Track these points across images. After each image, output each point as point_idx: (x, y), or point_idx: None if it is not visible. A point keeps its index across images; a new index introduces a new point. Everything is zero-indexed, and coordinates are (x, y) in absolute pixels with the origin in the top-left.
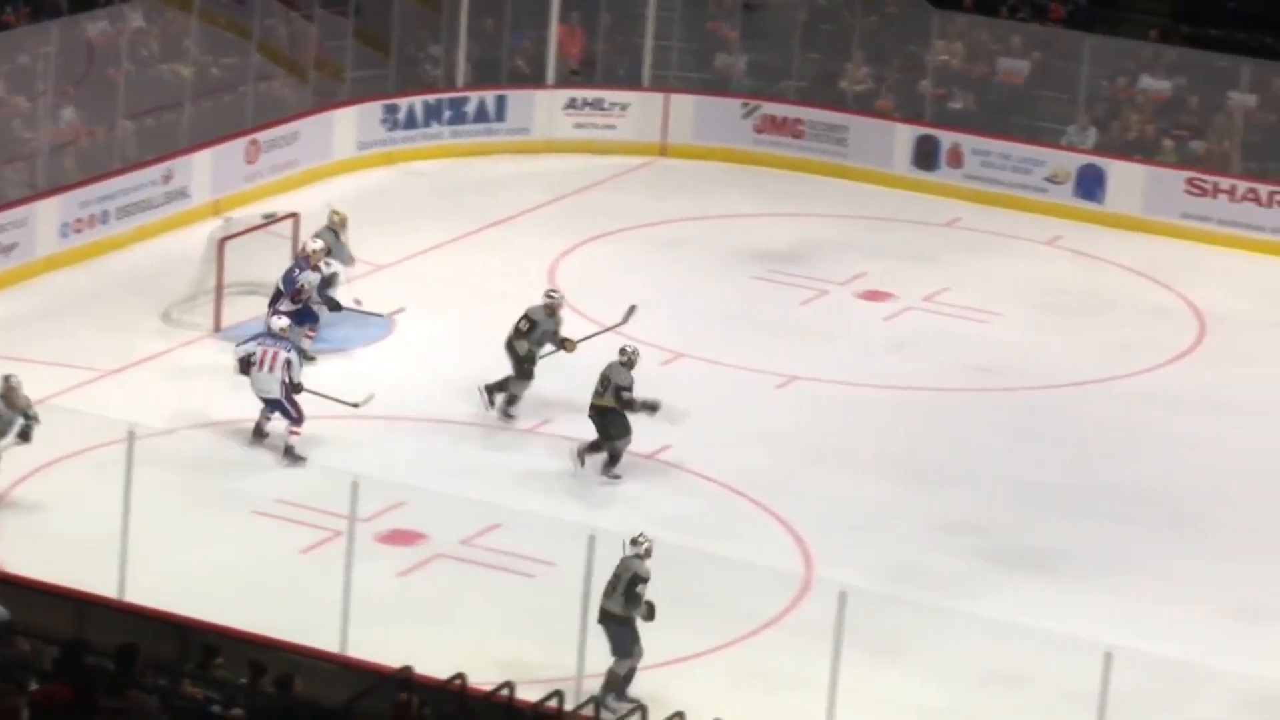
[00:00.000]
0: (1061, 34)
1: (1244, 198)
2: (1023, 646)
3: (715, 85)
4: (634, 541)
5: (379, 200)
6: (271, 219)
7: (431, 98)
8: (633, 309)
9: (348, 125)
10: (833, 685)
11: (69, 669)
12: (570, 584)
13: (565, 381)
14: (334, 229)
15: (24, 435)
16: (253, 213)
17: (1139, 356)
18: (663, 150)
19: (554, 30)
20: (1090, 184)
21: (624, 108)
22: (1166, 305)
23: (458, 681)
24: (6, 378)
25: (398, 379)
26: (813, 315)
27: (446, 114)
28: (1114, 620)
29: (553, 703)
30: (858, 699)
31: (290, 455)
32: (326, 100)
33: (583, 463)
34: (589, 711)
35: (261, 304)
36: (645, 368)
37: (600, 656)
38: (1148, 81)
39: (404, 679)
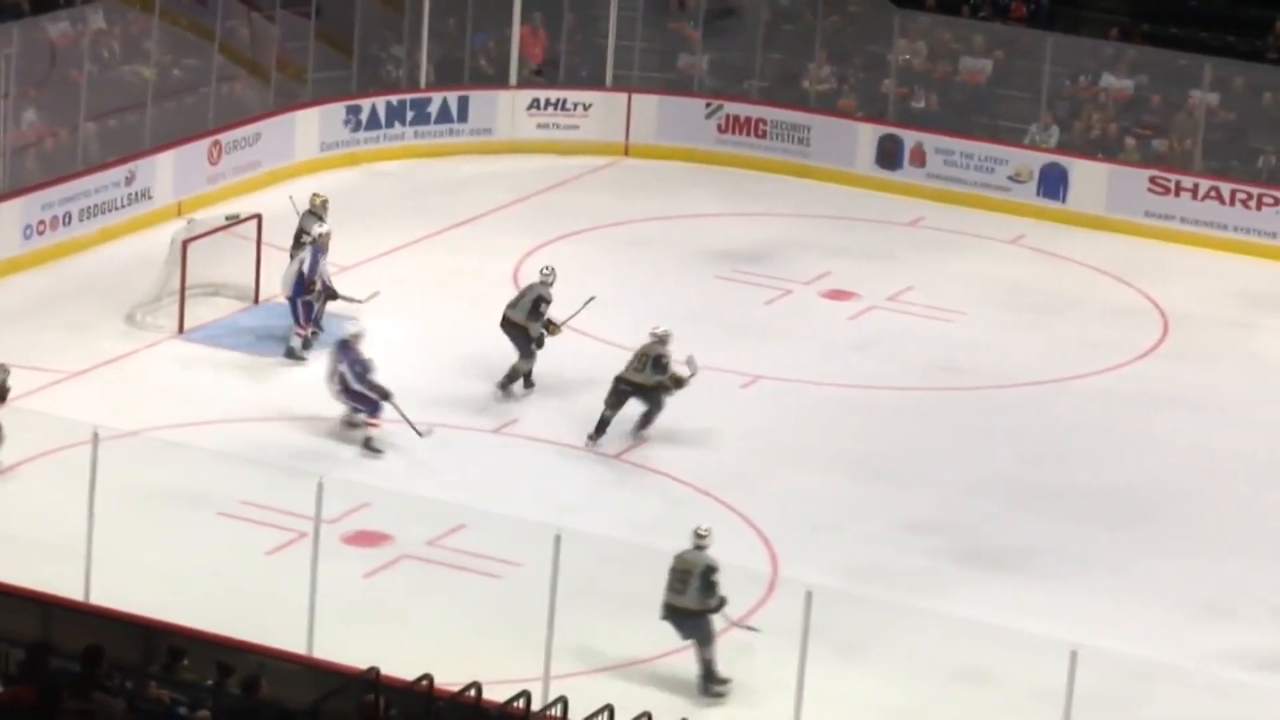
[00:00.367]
0: (1024, 33)
1: (1206, 196)
2: (988, 645)
3: (678, 85)
4: (697, 534)
5: (343, 201)
6: (235, 220)
7: (394, 98)
8: (590, 300)
9: (310, 126)
10: (799, 684)
11: (34, 671)
12: (537, 584)
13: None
14: (316, 212)
15: None
16: (216, 214)
17: (1102, 355)
18: (626, 150)
19: (516, 31)
20: (1053, 183)
21: (587, 108)
22: (1129, 304)
23: (424, 682)
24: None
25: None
26: (776, 315)
27: (409, 115)
28: (1078, 618)
29: (519, 703)
30: (824, 698)
31: (369, 446)
32: (289, 101)
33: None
34: (556, 712)
35: (225, 305)
36: (611, 369)
37: (566, 658)
38: (1110, 80)
39: (370, 680)
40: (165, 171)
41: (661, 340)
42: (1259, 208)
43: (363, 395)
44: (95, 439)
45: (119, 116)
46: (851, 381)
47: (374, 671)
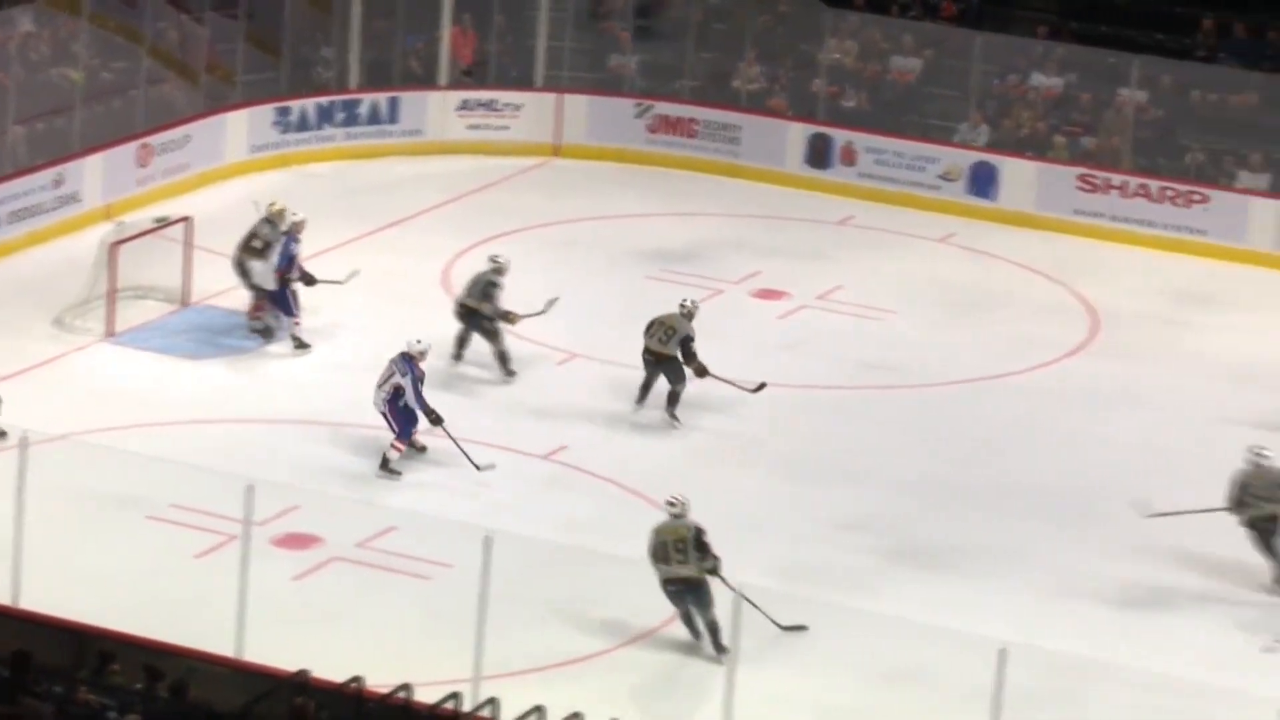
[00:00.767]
0: (953, 32)
1: (1135, 193)
2: (920, 644)
3: (608, 85)
4: (670, 504)
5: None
6: (164, 223)
7: (324, 100)
8: (554, 300)
9: (240, 128)
10: (730, 685)
11: None
12: (467, 586)
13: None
14: (272, 220)
15: None
16: (145, 216)
17: (1032, 353)
18: (556, 151)
19: (446, 32)
20: (983, 181)
21: (517, 108)
22: (1059, 301)
23: (354, 684)
24: None
25: (297, 381)
26: (707, 314)
27: (339, 116)
28: (1010, 616)
29: (450, 704)
30: (756, 697)
31: (387, 469)
32: (218, 103)
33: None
34: (486, 713)
35: (155, 308)
36: (542, 369)
37: (497, 660)
38: (1039, 79)
39: (300, 683)
40: (94, 174)
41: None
42: (1187, 205)
43: (410, 414)
44: (24, 443)
45: (47, 119)
46: (782, 380)
47: (304, 674)
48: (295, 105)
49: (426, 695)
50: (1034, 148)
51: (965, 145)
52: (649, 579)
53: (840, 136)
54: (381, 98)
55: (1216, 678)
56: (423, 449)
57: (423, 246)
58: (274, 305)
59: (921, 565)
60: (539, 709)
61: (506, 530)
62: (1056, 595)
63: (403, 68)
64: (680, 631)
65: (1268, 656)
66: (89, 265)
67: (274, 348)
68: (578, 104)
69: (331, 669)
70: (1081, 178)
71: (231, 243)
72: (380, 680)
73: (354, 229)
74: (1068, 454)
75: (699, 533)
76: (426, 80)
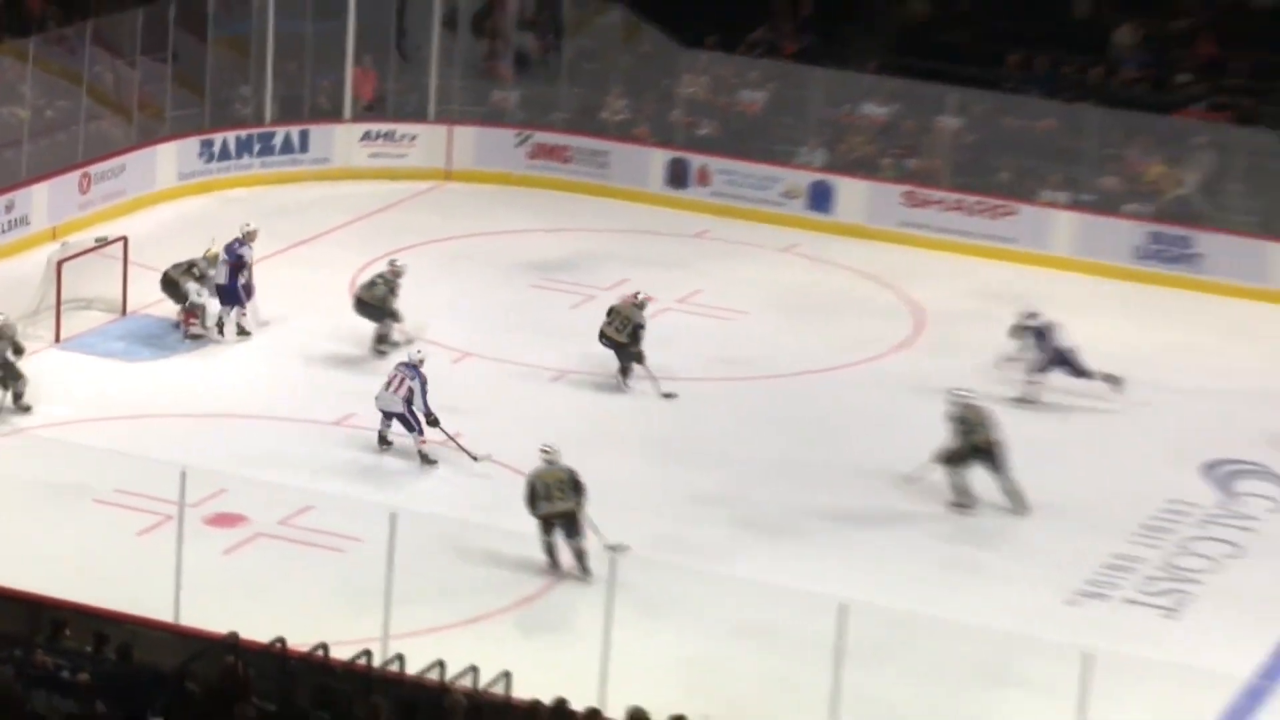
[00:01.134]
0: (793, 68)
1: (953, 208)
2: (771, 602)
3: (492, 118)
4: (544, 451)
5: (199, 225)
6: (104, 242)
7: (243, 133)
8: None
9: (169, 158)
10: (606, 640)
11: None
12: (375, 557)
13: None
14: (209, 259)
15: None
16: (86, 237)
17: (865, 348)
18: (448, 175)
19: (349, 71)
20: (821, 198)
21: (413, 138)
22: (888, 303)
23: (278, 644)
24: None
25: (220, 380)
26: (582, 317)
27: (256, 147)
28: (849, 577)
29: (362, 660)
30: (629, 651)
31: (425, 459)
32: (150, 137)
33: (626, 381)
34: (395, 668)
35: (97, 317)
36: (435, 367)
37: (402, 620)
38: (869, 108)
39: (231, 644)
40: (40, 200)
41: (642, 306)
42: (998, 217)
43: (416, 416)
44: None
45: None
46: (649, 374)
47: (234, 636)
48: (217, 138)
49: (342, 653)
50: (865, 168)
51: (805, 166)
52: (535, 548)
53: (696, 160)
54: (293, 130)
55: (1026, 628)
56: (434, 463)
57: (331, 261)
58: (224, 300)
59: (770, 534)
60: (440, 663)
61: (409, 508)
62: (888, 558)
63: (312, 103)
64: (562, 595)
65: (1070, 609)
66: (38, 280)
67: (199, 352)
68: (466, 134)
69: (258, 631)
70: (907, 194)
71: (164, 259)
72: (301, 640)
73: (271, 246)
74: (895, 435)
75: (573, 474)
76: (333, 114)
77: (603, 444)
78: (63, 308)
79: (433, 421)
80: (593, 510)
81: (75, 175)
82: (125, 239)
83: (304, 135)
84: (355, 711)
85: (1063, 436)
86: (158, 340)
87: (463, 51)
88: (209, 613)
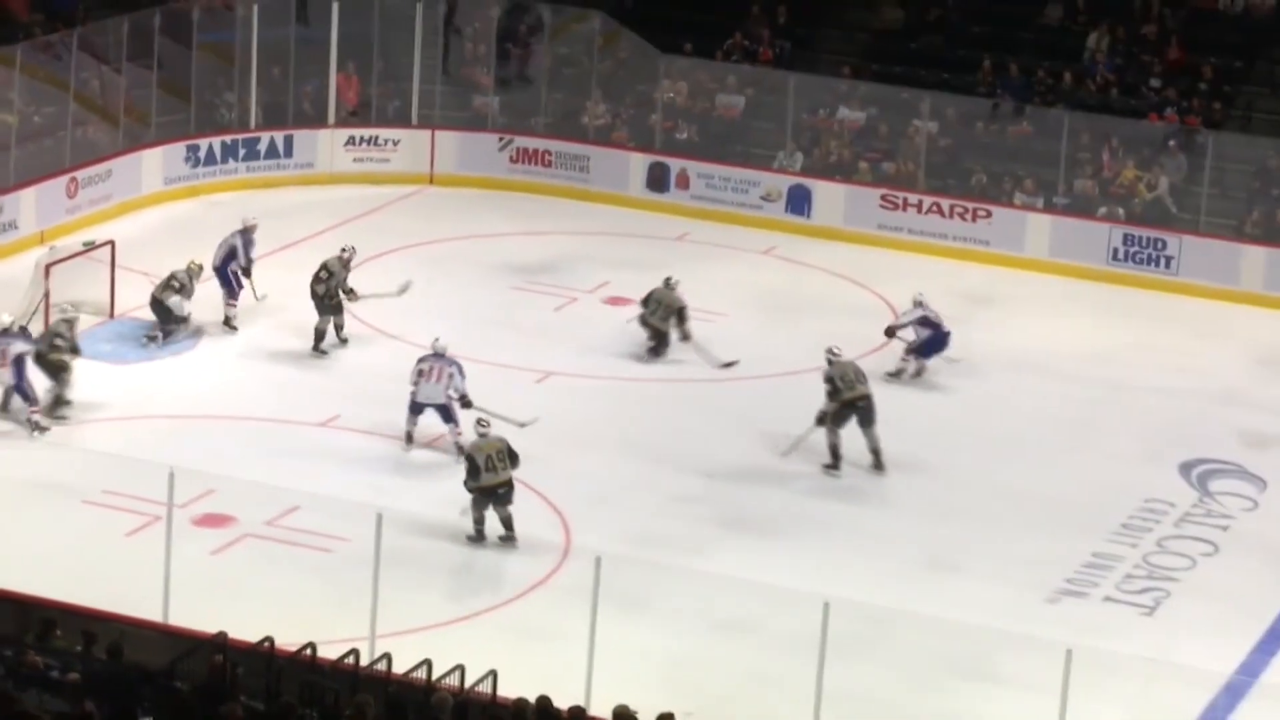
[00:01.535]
0: (770, 73)
1: (929, 210)
2: (747, 598)
3: (474, 123)
4: (479, 424)
5: (185, 228)
6: (91, 246)
7: (228, 138)
8: (407, 285)
9: (155, 163)
10: (591, 637)
11: None
12: (362, 557)
13: (354, 381)
14: (190, 271)
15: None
16: (74, 241)
17: (842, 347)
18: (430, 180)
19: (333, 77)
20: (799, 201)
21: (396, 143)
22: (865, 304)
23: (266, 643)
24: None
25: (207, 382)
26: (564, 319)
27: (241, 152)
28: (827, 573)
29: (349, 660)
30: (612, 647)
31: (461, 451)
32: (136, 142)
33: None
34: (381, 667)
35: (85, 319)
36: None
37: (389, 620)
38: (845, 112)
39: (219, 643)
40: (29, 205)
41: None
42: (973, 220)
43: (454, 407)
44: None
45: None
46: (629, 376)
47: (222, 635)
48: (203, 143)
49: (329, 652)
50: (842, 172)
51: (783, 170)
52: (520, 548)
53: (675, 164)
54: (278, 135)
55: (1002, 625)
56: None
57: (314, 264)
58: (223, 282)
59: (749, 531)
60: (427, 662)
61: (395, 509)
62: (869, 555)
63: (296, 109)
64: (547, 594)
65: (1050, 607)
66: (26, 284)
67: (186, 354)
68: (448, 139)
69: (246, 631)
70: (883, 197)
71: (151, 263)
72: (289, 639)
73: (257, 250)
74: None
75: (508, 443)
76: (317, 120)
77: (585, 444)
78: (51, 310)
79: (466, 404)
80: (572, 506)
81: (62, 180)
82: (112, 243)
83: (289, 140)
84: (343, 710)
85: (1041, 436)
86: (141, 347)
87: (444, 57)
88: (197, 612)
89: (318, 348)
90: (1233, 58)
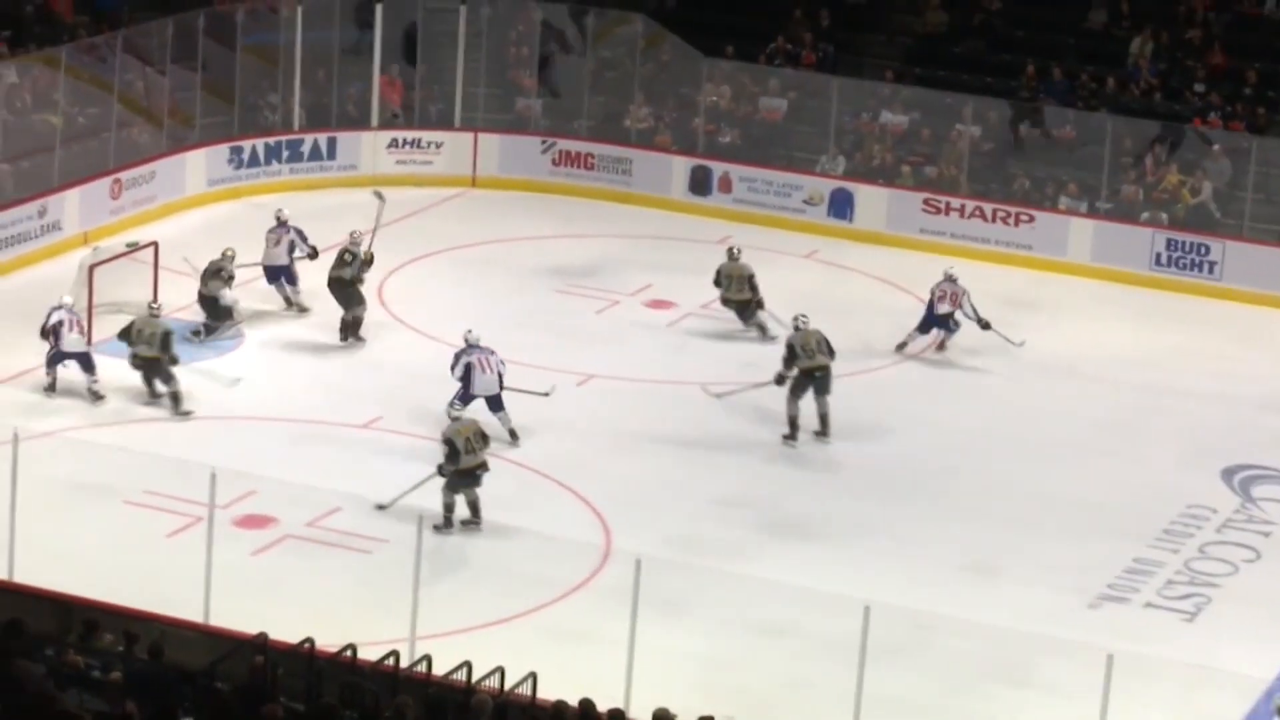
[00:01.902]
0: (813, 77)
1: (971, 215)
2: (789, 602)
3: (517, 125)
4: (451, 407)
5: (227, 229)
6: (134, 247)
7: (271, 140)
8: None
9: (199, 165)
10: (631, 640)
11: None
12: (403, 558)
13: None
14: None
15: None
16: (117, 242)
17: (884, 351)
18: (473, 182)
19: (376, 80)
20: (841, 205)
21: (439, 146)
22: (908, 307)
23: (307, 644)
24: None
25: (249, 383)
26: (606, 322)
27: (285, 154)
28: (865, 578)
29: (390, 661)
30: (652, 651)
31: (515, 436)
32: (179, 143)
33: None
34: (421, 669)
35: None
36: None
37: (430, 622)
38: (887, 116)
39: (259, 644)
40: (73, 206)
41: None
42: (1016, 224)
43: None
44: (16, 439)
45: (31, 158)
46: (671, 378)
47: (262, 636)
48: (246, 145)
49: (369, 653)
50: (884, 176)
51: (825, 174)
52: (558, 550)
53: (718, 168)
54: (321, 137)
55: (1043, 630)
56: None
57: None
58: (281, 281)
59: (789, 535)
60: (467, 664)
61: (436, 510)
62: (907, 559)
63: (339, 111)
64: (587, 598)
65: (1091, 612)
66: (70, 284)
67: (229, 355)
68: (491, 142)
69: (286, 632)
70: (925, 201)
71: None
72: (329, 641)
73: (297, 252)
74: (915, 437)
75: (480, 426)
76: (360, 122)
77: (627, 447)
78: (94, 311)
79: (502, 385)
80: (614, 509)
81: (107, 181)
82: (156, 244)
83: (331, 142)
84: (382, 712)
85: (1083, 441)
86: (187, 343)
87: (487, 59)
88: (238, 613)
89: (356, 336)
90: (1277, 63)
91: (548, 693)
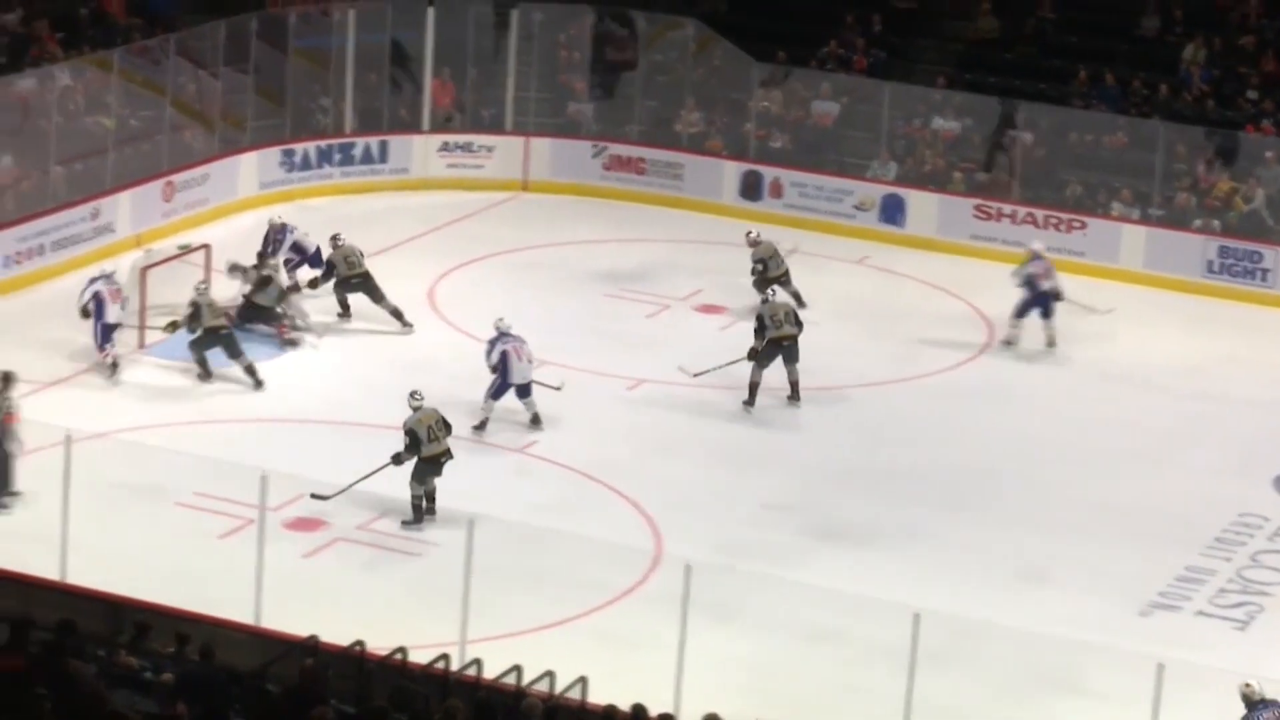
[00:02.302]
0: (864, 82)
1: (1023, 221)
2: (839, 609)
3: (568, 129)
4: (413, 397)
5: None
6: (186, 249)
7: (323, 143)
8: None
9: (251, 168)
10: (681, 645)
11: (18, 643)
12: (453, 562)
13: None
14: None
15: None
16: (169, 244)
17: (935, 358)
18: (524, 186)
19: (428, 83)
20: (892, 210)
21: (490, 150)
22: (959, 313)
23: (357, 647)
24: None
25: (300, 386)
26: (657, 327)
27: (336, 157)
28: (915, 584)
29: (440, 664)
30: (701, 656)
31: (537, 421)
32: (232, 146)
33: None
34: (472, 672)
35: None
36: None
37: (479, 625)
38: (939, 122)
39: (310, 646)
40: (125, 208)
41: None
42: (1068, 230)
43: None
44: (68, 440)
45: (84, 161)
46: (722, 383)
47: (313, 639)
48: (298, 148)
49: (420, 657)
50: (936, 182)
51: (877, 180)
52: (608, 555)
53: (769, 173)
54: (373, 141)
55: (1093, 637)
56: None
57: (408, 270)
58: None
59: (839, 540)
60: (517, 668)
61: (485, 514)
62: (956, 565)
63: (391, 115)
64: (637, 603)
65: (1142, 620)
66: (122, 287)
67: (280, 358)
68: (542, 146)
69: (337, 634)
70: (977, 207)
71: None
72: (379, 644)
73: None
74: (964, 444)
75: (441, 415)
76: (411, 126)
77: (677, 452)
78: (146, 314)
79: None
80: (664, 514)
81: (159, 184)
82: (208, 246)
83: (383, 146)
84: (432, 715)
85: (1134, 448)
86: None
87: (538, 64)
88: (289, 615)
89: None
90: None
91: (598, 697)
